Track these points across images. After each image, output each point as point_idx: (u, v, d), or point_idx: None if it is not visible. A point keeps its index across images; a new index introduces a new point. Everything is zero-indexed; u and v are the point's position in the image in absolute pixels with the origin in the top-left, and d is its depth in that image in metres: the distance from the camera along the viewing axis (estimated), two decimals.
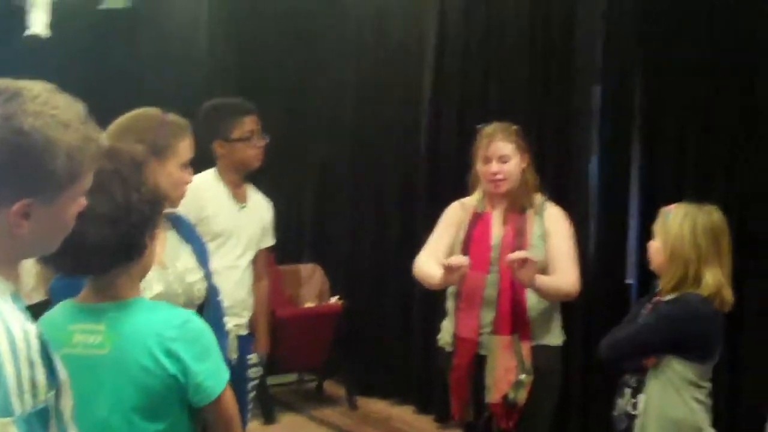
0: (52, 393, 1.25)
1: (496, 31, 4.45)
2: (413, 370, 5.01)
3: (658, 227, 2.57)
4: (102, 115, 1.31)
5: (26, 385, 1.20)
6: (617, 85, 3.92)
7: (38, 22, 4.98)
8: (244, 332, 3.22)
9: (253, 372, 3.34)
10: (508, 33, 4.38)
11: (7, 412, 1.17)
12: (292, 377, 5.47)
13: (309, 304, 5.26)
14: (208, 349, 1.76)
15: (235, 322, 3.10)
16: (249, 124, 3.24)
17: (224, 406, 1.78)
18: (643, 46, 3.80)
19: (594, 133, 4.01)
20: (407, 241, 4.96)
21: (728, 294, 2.49)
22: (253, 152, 3.25)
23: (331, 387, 5.42)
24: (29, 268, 3.20)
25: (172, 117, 2.33)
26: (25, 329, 1.22)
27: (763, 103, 3.39)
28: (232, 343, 2.94)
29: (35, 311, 1.43)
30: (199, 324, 1.77)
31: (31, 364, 1.21)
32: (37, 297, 3.14)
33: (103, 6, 6.22)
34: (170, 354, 1.68)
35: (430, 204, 4.74)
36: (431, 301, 4.45)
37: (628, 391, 2.54)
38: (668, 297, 2.48)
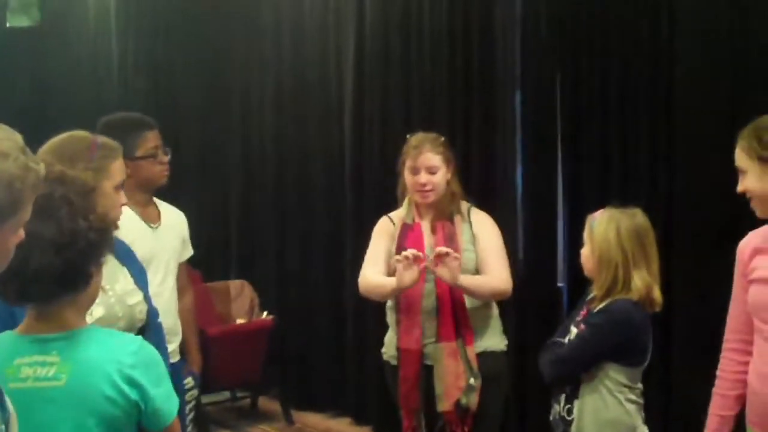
0: (3, 427, 1.24)
1: (415, 42, 4.46)
2: (348, 381, 5.00)
3: (586, 234, 2.61)
4: None
5: None
6: (538, 92, 3.96)
7: None
8: (175, 359, 3.15)
9: (189, 396, 3.28)
10: (427, 43, 4.39)
11: None
12: (225, 395, 5.39)
13: (240, 321, 5.20)
14: (162, 373, 1.76)
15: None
16: (152, 139, 3.07)
17: (174, 430, 1.78)
18: (560, 53, 3.86)
19: (518, 140, 4.05)
20: (335, 253, 4.94)
21: (657, 295, 2.53)
22: (159, 169, 3.09)
23: (266, 403, 5.36)
24: None
25: (102, 139, 2.32)
26: None
27: (681, 104, 3.47)
28: None
29: None
30: (152, 348, 1.78)
31: None
32: None
33: (9, 24, 6.03)
34: (131, 381, 1.67)
35: (356, 216, 4.73)
36: (363, 311, 4.45)
37: (562, 396, 2.57)
38: (600, 306, 2.52)
